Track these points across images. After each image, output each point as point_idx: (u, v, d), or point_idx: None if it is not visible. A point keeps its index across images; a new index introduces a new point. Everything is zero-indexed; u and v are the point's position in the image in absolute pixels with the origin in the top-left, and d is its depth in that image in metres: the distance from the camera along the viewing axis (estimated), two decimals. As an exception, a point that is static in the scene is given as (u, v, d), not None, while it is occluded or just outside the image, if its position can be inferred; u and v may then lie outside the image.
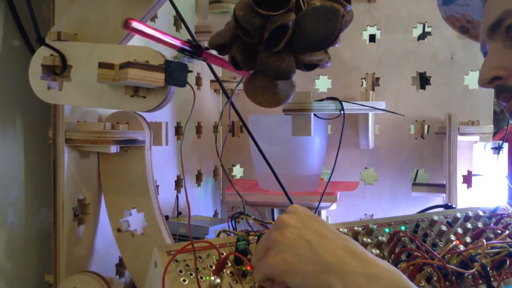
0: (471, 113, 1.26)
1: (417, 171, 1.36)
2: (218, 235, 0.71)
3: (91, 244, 0.82)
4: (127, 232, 0.78)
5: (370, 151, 1.35)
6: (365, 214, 1.37)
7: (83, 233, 0.80)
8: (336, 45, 0.52)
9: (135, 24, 0.48)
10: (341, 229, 0.78)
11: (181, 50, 0.53)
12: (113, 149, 0.75)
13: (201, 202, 1.30)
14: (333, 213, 1.34)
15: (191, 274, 0.61)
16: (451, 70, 1.28)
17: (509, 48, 0.59)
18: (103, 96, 0.63)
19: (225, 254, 0.63)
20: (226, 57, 0.59)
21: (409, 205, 1.30)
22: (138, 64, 0.53)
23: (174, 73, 0.53)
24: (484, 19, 0.63)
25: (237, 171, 1.52)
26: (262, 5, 0.48)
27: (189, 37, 0.63)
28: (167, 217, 1.04)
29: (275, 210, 1.32)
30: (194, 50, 0.54)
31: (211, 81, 1.36)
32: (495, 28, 0.60)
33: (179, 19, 1.16)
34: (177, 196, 1.12)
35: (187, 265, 0.62)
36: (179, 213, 1.10)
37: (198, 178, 1.27)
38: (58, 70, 0.67)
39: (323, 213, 1.28)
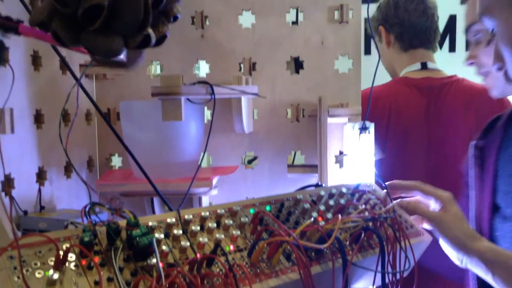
0: (341, 95, 1.31)
1: (295, 153, 1.39)
2: (66, 227, 0.66)
3: None
4: (-33, 231, 0.70)
5: (250, 135, 1.36)
6: (246, 197, 1.38)
7: None
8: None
9: None
10: (203, 213, 0.77)
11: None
12: None
13: (73, 195, 1.22)
14: (215, 198, 1.33)
15: (27, 271, 0.57)
16: (322, 54, 1.32)
17: None
18: None
19: (67, 247, 0.59)
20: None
21: (287, 187, 1.33)
22: None
23: (-14, 50, 0.47)
24: None
25: (116, 161, 1.45)
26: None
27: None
28: (26, 212, 0.96)
29: (155, 199, 1.28)
30: (7, 24, 0.48)
31: (80, 65, 1.27)
32: None
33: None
34: (39, 190, 1.03)
35: (24, 261, 0.57)
36: (42, 207, 1.02)
37: (68, 169, 1.19)
38: None
39: (204, 199, 1.27)
